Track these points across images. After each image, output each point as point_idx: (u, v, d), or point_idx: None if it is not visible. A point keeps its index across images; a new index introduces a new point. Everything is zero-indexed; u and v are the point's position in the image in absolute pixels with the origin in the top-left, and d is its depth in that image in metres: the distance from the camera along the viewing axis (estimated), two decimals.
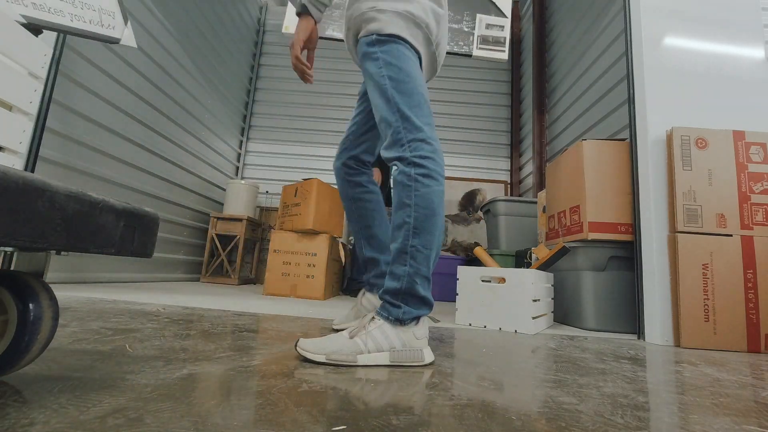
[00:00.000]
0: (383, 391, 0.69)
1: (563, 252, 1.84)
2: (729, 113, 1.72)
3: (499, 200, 3.04)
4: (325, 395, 0.64)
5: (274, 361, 0.85)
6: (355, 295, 2.95)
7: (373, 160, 1.34)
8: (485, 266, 1.93)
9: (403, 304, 0.93)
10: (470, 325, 1.72)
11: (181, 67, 3.21)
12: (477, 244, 3.62)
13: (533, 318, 1.59)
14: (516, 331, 1.61)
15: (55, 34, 1.88)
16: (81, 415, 0.48)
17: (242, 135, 4.52)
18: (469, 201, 4.30)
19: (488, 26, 3.07)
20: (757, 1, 1.85)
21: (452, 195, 4.34)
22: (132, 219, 0.56)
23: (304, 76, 1.19)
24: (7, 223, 0.38)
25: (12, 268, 0.59)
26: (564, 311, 2.04)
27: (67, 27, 1.38)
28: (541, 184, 3.47)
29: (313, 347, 0.87)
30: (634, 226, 1.74)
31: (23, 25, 1.25)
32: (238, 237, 3.53)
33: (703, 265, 1.52)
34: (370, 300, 1.30)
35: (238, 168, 4.43)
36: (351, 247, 3.44)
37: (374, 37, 1.05)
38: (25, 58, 0.97)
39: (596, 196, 1.86)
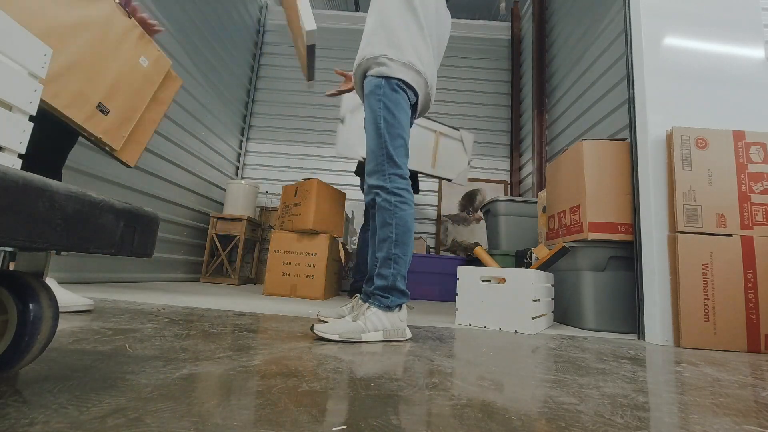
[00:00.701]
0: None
1: (563, 252, 1.84)
2: (729, 113, 1.72)
3: (499, 200, 3.04)
4: (325, 395, 0.64)
5: (274, 361, 0.85)
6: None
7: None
8: (485, 266, 1.93)
9: (390, 296, 1.26)
10: (470, 325, 1.72)
11: (181, 67, 3.21)
12: (477, 244, 3.62)
13: (533, 318, 1.59)
14: (516, 331, 1.61)
15: None
16: (81, 415, 0.48)
17: (242, 135, 4.51)
18: (469, 201, 4.30)
19: None
20: (757, 1, 1.85)
21: (452, 195, 4.34)
22: (132, 219, 0.56)
23: None
24: (7, 223, 0.38)
25: (12, 268, 0.59)
26: (564, 311, 2.04)
27: None
28: (541, 184, 3.47)
29: (327, 329, 1.15)
30: (634, 226, 1.74)
31: None
32: (238, 237, 3.53)
33: (703, 265, 1.52)
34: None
35: (238, 168, 4.43)
36: (353, 249, 3.44)
37: (383, 80, 1.33)
38: (25, 58, 0.97)
39: (596, 196, 1.86)
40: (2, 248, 0.61)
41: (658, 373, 1.00)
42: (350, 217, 3.97)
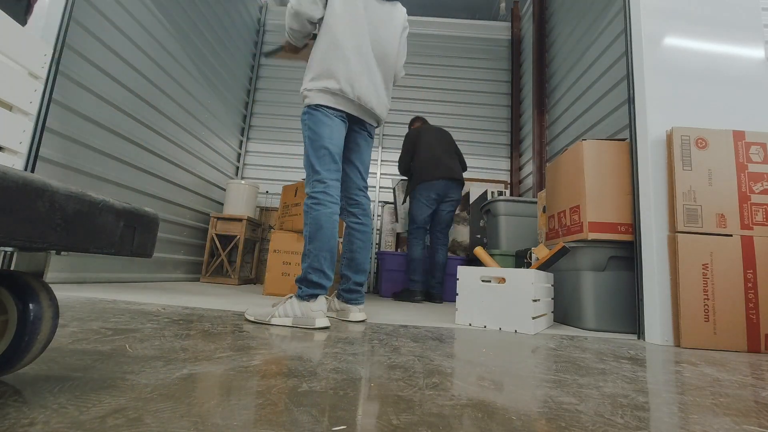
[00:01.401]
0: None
1: (563, 252, 1.84)
2: (729, 113, 1.72)
3: (499, 200, 3.04)
4: (325, 395, 0.64)
5: (274, 361, 0.85)
6: (410, 299, 2.98)
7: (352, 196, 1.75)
8: (485, 266, 1.93)
9: (303, 287, 1.43)
10: (470, 325, 1.72)
11: (181, 67, 3.21)
12: (477, 244, 3.62)
13: (533, 318, 1.59)
14: (516, 331, 1.61)
15: (55, 33, 1.88)
16: (81, 415, 0.48)
17: (242, 135, 4.51)
18: (469, 201, 4.29)
19: None
20: (757, 1, 1.85)
21: None
22: (132, 219, 0.56)
23: None
24: (7, 223, 0.38)
25: (12, 268, 0.59)
26: (564, 311, 2.04)
27: None
28: (541, 184, 3.47)
29: (251, 312, 1.42)
30: (634, 226, 1.74)
31: None
32: (238, 237, 3.53)
33: (703, 265, 1.52)
34: (336, 303, 1.70)
35: (238, 168, 4.43)
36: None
37: (306, 108, 1.57)
38: (25, 58, 0.97)
39: (596, 196, 1.86)
40: (2, 248, 0.61)
41: (658, 373, 1.00)
42: None
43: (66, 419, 0.47)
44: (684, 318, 1.49)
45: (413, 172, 3.13)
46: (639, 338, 1.63)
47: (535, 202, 3.00)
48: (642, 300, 1.64)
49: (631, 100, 1.80)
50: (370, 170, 3.74)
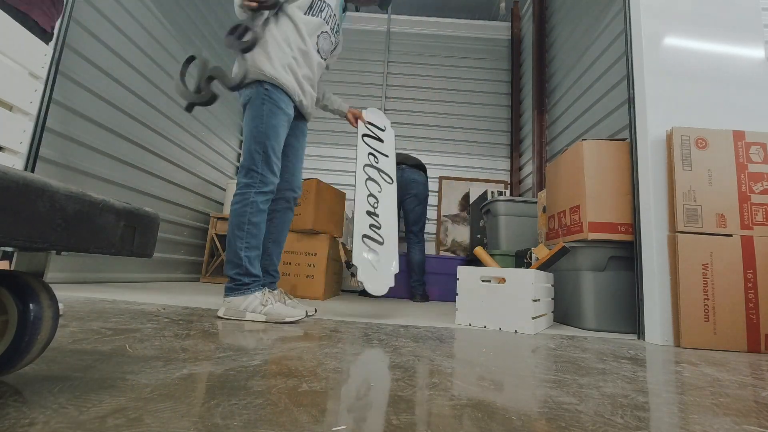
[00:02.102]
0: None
1: (563, 252, 1.84)
2: (729, 113, 1.72)
3: (499, 200, 3.04)
4: (325, 395, 0.64)
5: (274, 361, 0.85)
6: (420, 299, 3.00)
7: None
8: (485, 266, 1.93)
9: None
10: (470, 325, 1.72)
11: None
12: (477, 244, 3.62)
13: (533, 318, 1.59)
14: (516, 331, 1.61)
15: (55, 33, 1.87)
16: (81, 415, 0.48)
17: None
18: (468, 201, 4.30)
19: None
20: (757, 1, 1.85)
21: (452, 195, 4.34)
22: (132, 219, 0.56)
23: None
24: (7, 223, 0.38)
25: (12, 268, 0.59)
26: (564, 311, 2.04)
27: None
28: (541, 184, 3.47)
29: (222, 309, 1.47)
30: (634, 226, 1.74)
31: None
32: None
33: (703, 265, 1.52)
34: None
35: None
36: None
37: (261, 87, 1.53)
38: (25, 58, 0.97)
39: (596, 196, 1.86)
40: (2, 248, 0.61)
41: (658, 373, 1.00)
42: (350, 217, 3.96)
43: (66, 419, 0.47)
44: (684, 318, 1.49)
45: None
46: (639, 338, 1.63)
47: (535, 202, 3.00)
48: (642, 300, 1.64)
49: (631, 100, 1.80)
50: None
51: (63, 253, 0.48)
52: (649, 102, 1.72)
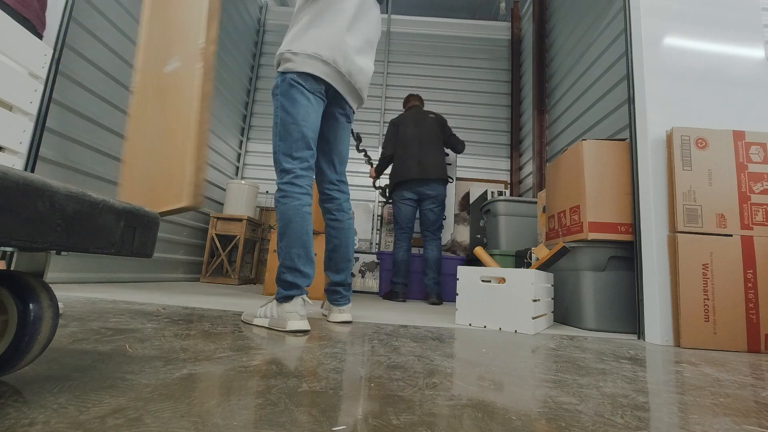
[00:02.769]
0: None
1: (563, 252, 1.84)
2: (729, 113, 1.72)
3: (499, 200, 3.04)
4: (325, 395, 0.64)
5: (274, 361, 0.85)
6: (397, 299, 2.97)
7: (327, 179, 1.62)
8: (485, 266, 1.93)
9: (280, 288, 1.33)
10: (470, 325, 1.72)
11: None
12: (477, 244, 3.62)
13: (533, 318, 1.59)
14: (516, 331, 1.61)
15: (55, 33, 1.88)
16: (81, 415, 0.48)
17: (242, 135, 4.51)
18: (468, 201, 4.29)
19: None
20: (757, 1, 1.85)
21: (452, 195, 4.33)
22: (132, 219, 0.56)
23: None
24: (7, 223, 0.38)
25: (12, 268, 0.59)
26: (564, 311, 2.04)
27: None
28: (541, 184, 3.47)
29: (244, 313, 1.41)
30: (634, 226, 1.74)
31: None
32: (238, 237, 3.53)
33: (703, 265, 1.52)
34: (326, 304, 1.65)
35: (238, 168, 4.43)
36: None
37: (279, 77, 1.40)
38: (25, 58, 0.97)
39: (596, 196, 1.86)
40: (2, 248, 0.61)
41: (658, 373, 1.00)
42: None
43: (66, 419, 0.47)
44: (684, 318, 1.49)
45: (393, 168, 3.08)
46: (639, 338, 1.63)
47: (535, 202, 3.00)
48: (642, 300, 1.64)
49: (631, 100, 1.80)
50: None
51: (63, 253, 0.48)
52: (649, 102, 1.72)
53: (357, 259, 3.51)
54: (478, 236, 3.58)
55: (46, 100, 1.89)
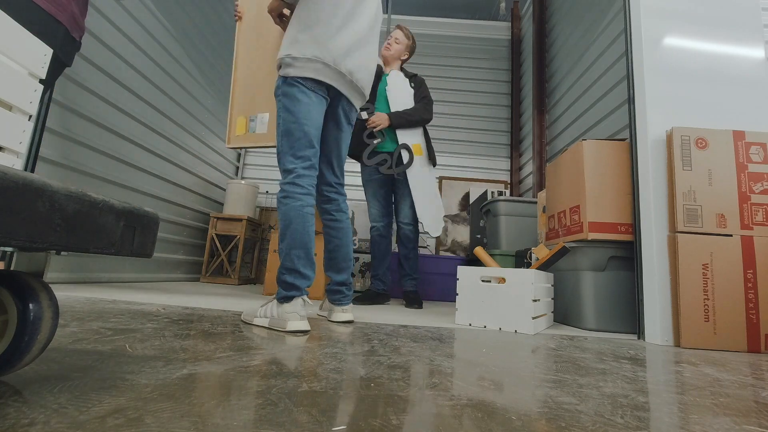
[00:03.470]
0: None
1: (563, 252, 1.84)
2: (729, 113, 1.72)
3: (499, 200, 3.04)
4: (325, 395, 0.64)
5: (274, 361, 0.85)
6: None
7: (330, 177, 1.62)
8: (485, 266, 1.93)
9: (280, 288, 1.34)
10: (470, 325, 1.72)
11: (181, 67, 3.21)
12: (477, 244, 3.61)
13: (533, 318, 1.59)
14: (516, 331, 1.61)
15: None
16: (81, 415, 0.48)
17: None
18: (468, 201, 4.30)
19: None
20: (757, 1, 1.85)
21: (452, 195, 4.34)
22: (132, 219, 0.56)
23: None
24: (7, 223, 0.38)
25: (12, 268, 0.59)
26: (564, 311, 2.04)
27: None
28: (541, 184, 3.47)
29: (243, 312, 1.41)
30: (634, 226, 1.74)
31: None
32: (238, 237, 3.53)
33: (703, 265, 1.52)
34: (326, 303, 1.66)
35: (238, 168, 4.43)
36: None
37: (280, 80, 1.41)
38: (25, 58, 0.97)
39: (596, 196, 1.86)
40: (2, 248, 0.61)
41: (658, 373, 1.00)
42: (350, 217, 3.96)
43: (66, 419, 0.47)
44: (684, 318, 1.49)
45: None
46: (639, 338, 1.63)
47: (535, 202, 3.00)
48: (642, 300, 1.64)
49: (631, 100, 1.80)
50: None
51: (63, 253, 0.48)
52: (649, 102, 1.72)
53: (357, 259, 3.52)
54: (478, 236, 3.58)
55: (46, 100, 1.89)
